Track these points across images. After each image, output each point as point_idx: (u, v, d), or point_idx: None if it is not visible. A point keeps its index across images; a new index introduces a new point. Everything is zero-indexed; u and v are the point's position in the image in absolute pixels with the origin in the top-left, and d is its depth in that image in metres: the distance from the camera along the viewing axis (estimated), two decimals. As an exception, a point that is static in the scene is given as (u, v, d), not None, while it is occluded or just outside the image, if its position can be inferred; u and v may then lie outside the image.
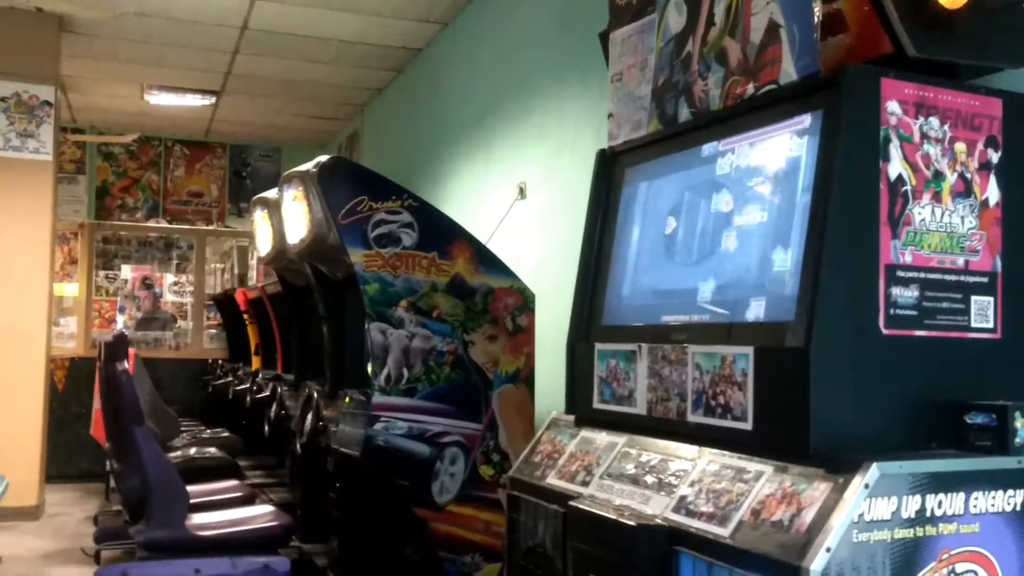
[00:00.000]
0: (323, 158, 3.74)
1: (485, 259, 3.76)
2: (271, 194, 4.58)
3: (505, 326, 3.74)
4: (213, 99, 8.24)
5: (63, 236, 8.69)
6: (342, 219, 3.56)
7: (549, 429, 2.53)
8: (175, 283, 9.25)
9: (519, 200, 4.86)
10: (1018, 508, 1.72)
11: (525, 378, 3.75)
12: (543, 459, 2.43)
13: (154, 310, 9.15)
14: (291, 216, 3.94)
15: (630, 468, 2.11)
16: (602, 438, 2.30)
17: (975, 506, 1.68)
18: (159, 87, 7.94)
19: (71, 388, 7.67)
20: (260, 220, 4.84)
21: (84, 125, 9.45)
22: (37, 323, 6.35)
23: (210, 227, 9.76)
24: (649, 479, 2.03)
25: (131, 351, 4.72)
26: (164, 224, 9.61)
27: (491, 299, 3.72)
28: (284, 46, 6.73)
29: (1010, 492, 1.72)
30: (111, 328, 8.45)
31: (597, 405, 2.33)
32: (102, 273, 9.01)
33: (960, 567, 1.67)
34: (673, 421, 2.06)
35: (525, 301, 3.78)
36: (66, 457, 7.43)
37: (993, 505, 1.70)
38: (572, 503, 2.09)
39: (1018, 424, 1.74)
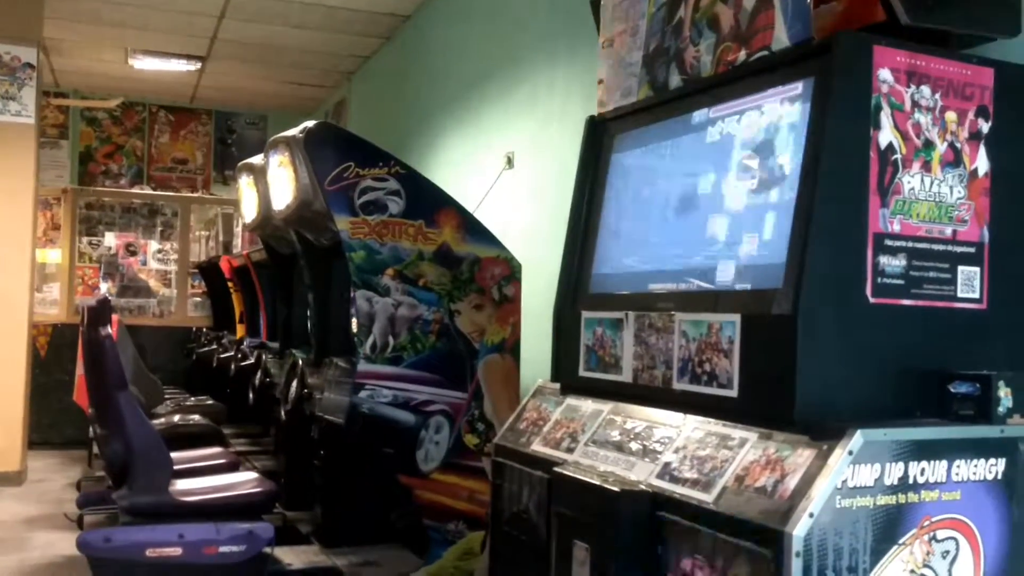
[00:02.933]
0: (310, 123, 3.71)
1: (472, 228, 3.75)
2: (257, 160, 4.54)
3: (491, 295, 3.73)
4: (199, 64, 8.14)
5: (46, 202, 8.60)
6: (328, 185, 3.53)
7: (535, 397, 2.53)
8: (159, 250, 9.18)
9: (507, 169, 4.83)
10: (999, 476, 1.74)
11: (511, 348, 3.75)
12: (528, 426, 2.43)
13: (134, 278, 9.10)
14: (277, 182, 3.91)
15: (615, 435, 2.12)
16: (587, 405, 2.30)
17: (957, 474, 1.70)
18: (144, 51, 7.83)
19: (54, 355, 7.64)
20: (245, 186, 4.81)
21: (67, 89, 9.32)
22: (19, 289, 6.29)
23: (195, 194, 9.68)
24: (634, 446, 2.04)
25: (114, 317, 4.70)
26: (148, 191, 9.53)
27: (478, 268, 3.71)
28: (270, 11, 6.64)
29: (992, 460, 1.73)
30: (94, 295, 8.39)
31: (583, 373, 2.33)
32: (85, 239, 8.94)
33: (941, 534, 1.68)
34: (659, 389, 2.06)
35: (512, 271, 3.77)
36: (49, 423, 7.41)
37: (975, 473, 1.71)
38: (557, 469, 2.10)
39: (1001, 393, 1.75)
